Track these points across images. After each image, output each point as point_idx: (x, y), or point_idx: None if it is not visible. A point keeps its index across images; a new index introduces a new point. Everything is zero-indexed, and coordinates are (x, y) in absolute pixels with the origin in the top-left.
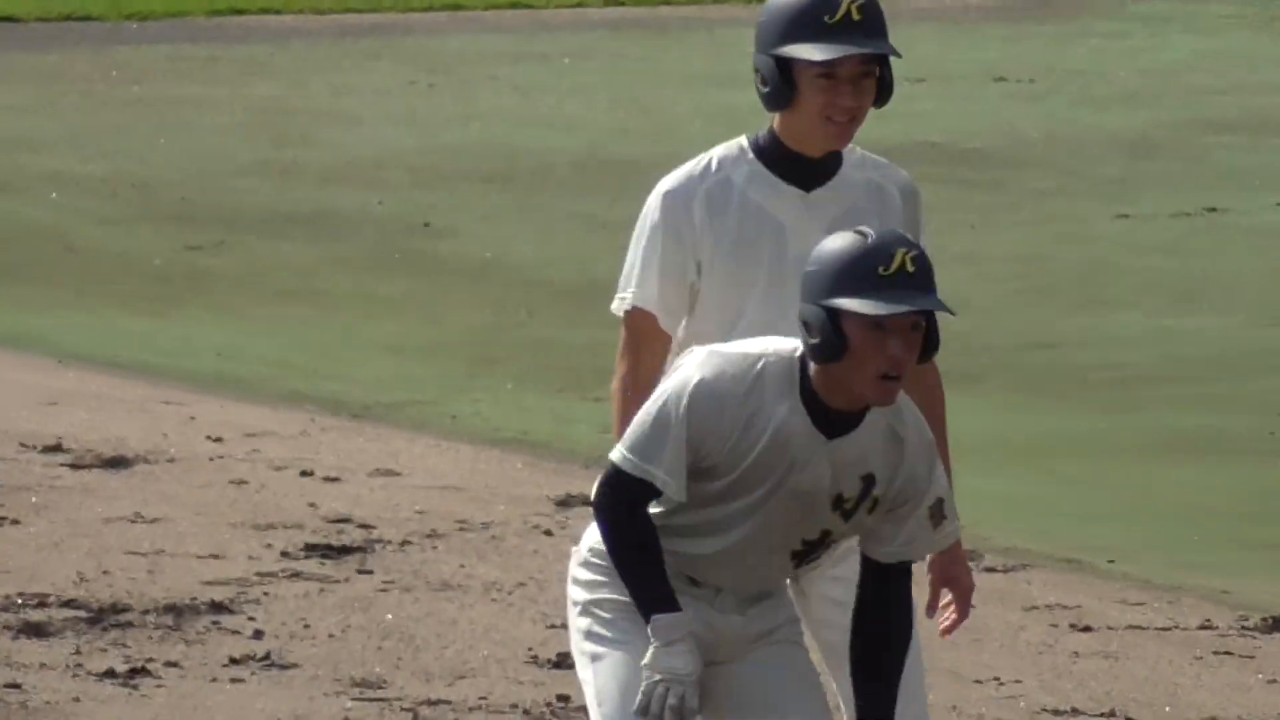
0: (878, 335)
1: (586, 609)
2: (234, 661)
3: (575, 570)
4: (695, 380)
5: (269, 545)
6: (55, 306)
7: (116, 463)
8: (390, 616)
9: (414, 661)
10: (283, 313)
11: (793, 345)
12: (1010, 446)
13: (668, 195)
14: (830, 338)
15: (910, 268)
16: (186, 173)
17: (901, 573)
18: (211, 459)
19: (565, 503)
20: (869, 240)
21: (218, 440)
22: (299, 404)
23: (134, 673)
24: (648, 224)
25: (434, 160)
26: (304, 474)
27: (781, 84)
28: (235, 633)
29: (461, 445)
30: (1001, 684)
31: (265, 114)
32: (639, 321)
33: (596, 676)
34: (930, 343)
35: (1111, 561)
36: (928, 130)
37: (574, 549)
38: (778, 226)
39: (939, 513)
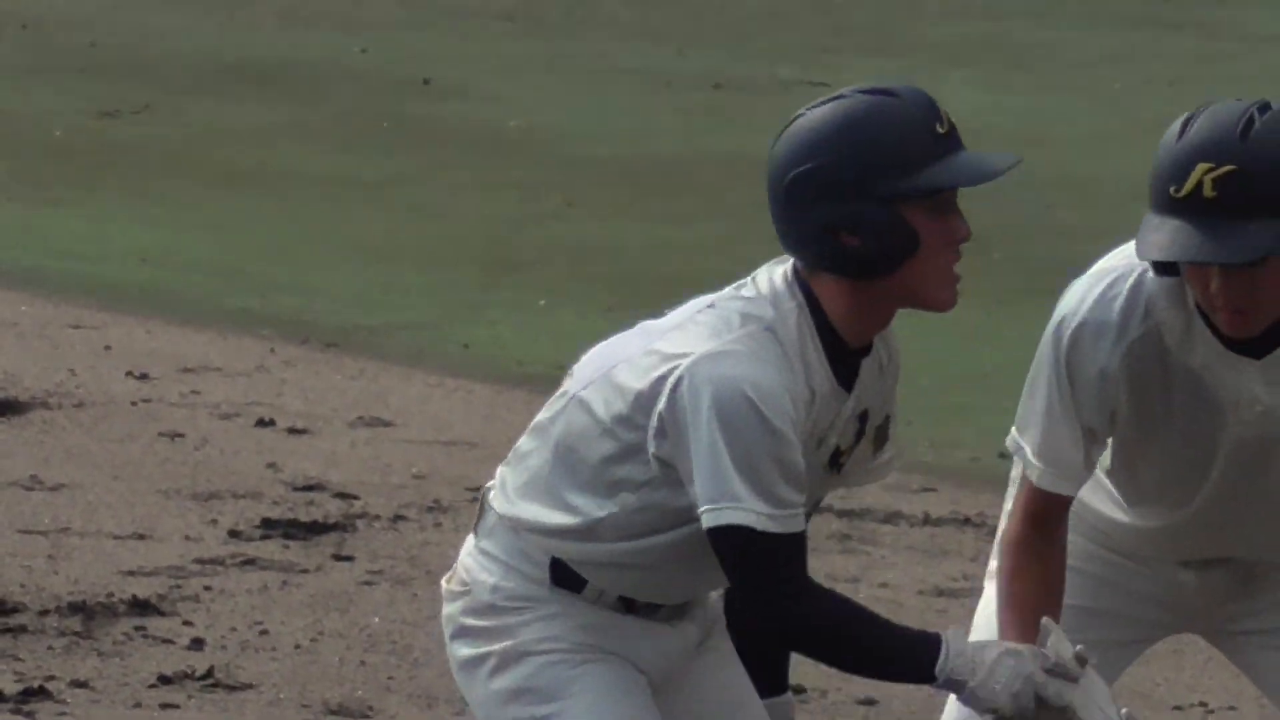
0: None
1: (511, 657)
2: (164, 681)
3: (466, 619)
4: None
5: (213, 522)
6: None
7: (5, 408)
8: (378, 620)
9: (410, 681)
10: (229, 202)
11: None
12: None
13: (1074, 349)
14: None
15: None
16: (97, 6)
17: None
18: (134, 403)
19: None
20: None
21: (142, 378)
22: (251, 328)
23: (28, 694)
24: (1044, 363)
25: None
26: (260, 424)
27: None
28: (167, 642)
29: (475, 384)
30: (1210, 711)
31: None
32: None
33: None
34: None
35: None
36: None
37: (445, 586)
38: (1217, 406)
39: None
